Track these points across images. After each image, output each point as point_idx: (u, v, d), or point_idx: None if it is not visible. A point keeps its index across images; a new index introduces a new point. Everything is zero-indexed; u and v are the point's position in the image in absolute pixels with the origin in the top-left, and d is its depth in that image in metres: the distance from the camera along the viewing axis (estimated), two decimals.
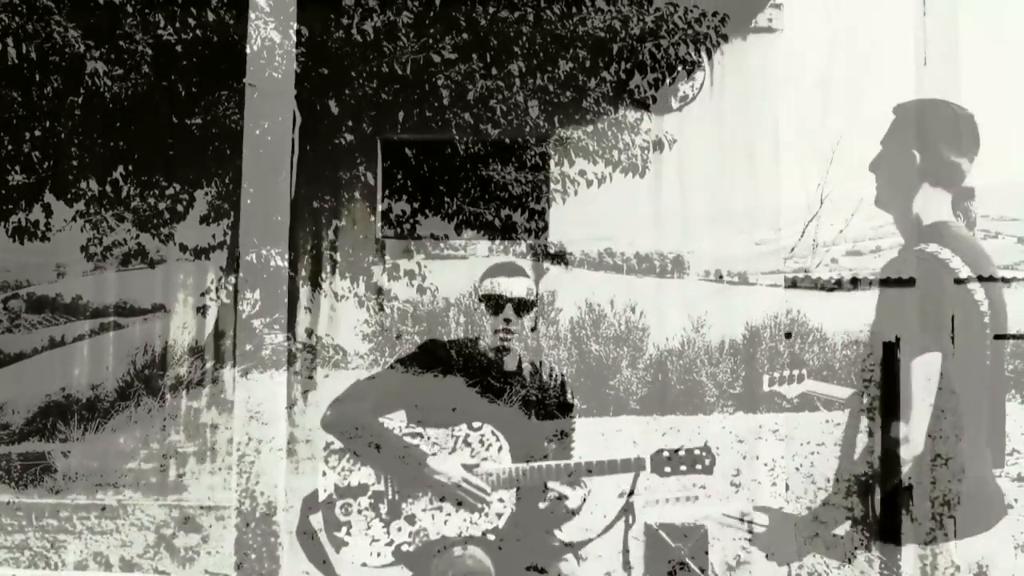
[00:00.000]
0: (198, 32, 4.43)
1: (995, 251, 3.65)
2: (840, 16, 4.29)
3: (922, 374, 3.13)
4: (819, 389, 3.67)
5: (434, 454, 3.10)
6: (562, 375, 3.35)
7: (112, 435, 4.49)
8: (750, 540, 3.87)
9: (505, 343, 3.19)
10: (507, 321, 3.18)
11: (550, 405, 3.26)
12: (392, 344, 4.51)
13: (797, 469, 4.08)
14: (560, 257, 4.50)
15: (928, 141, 3.29)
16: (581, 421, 3.46)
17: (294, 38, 4.13)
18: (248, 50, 4.08)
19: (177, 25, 4.42)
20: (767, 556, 3.75)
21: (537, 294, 3.26)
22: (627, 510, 3.18)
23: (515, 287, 3.20)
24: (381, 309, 4.53)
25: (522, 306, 3.21)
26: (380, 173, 4.61)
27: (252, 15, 4.06)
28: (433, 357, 3.23)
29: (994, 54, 3.95)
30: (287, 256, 4.08)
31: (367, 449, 3.11)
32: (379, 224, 4.64)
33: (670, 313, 4.45)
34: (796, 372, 3.64)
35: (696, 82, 4.56)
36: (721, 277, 4.49)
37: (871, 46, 4.21)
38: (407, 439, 3.11)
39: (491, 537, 3.05)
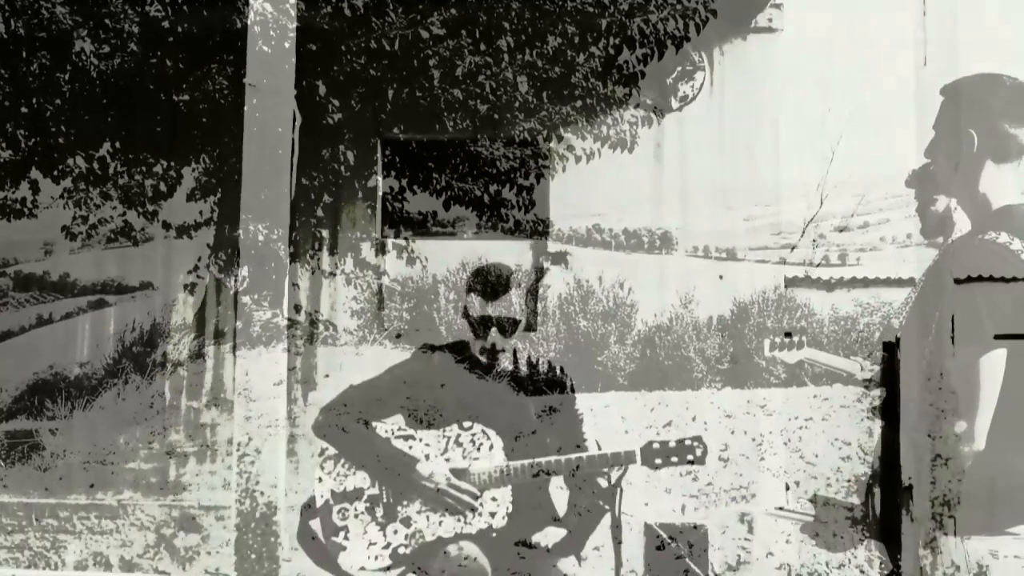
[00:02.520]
0: (186, 8, 4.41)
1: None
2: (840, 16, 4.28)
3: (989, 372, 3.05)
4: (819, 358, 3.66)
5: (426, 456, 3.08)
6: (560, 367, 3.33)
7: (100, 413, 4.48)
8: (802, 531, 3.84)
9: (493, 361, 3.16)
10: (492, 343, 3.15)
11: (551, 398, 3.24)
12: (382, 321, 4.51)
13: (785, 444, 4.09)
14: (560, 256, 4.50)
15: (984, 118, 3.20)
16: (569, 411, 3.44)
17: (294, 15, 4.11)
18: (249, 48, 4.06)
19: (165, 1, 4.40)
20: (816, 545, 3.74)
21: (535, 295, 3.23)
22: (611, 503, 3.14)
23: (499, 308, 3.16)
24: (382, 299, 4.52)
25: (508, 324, 3.17)
26: (380, 154, 4.60)
27: (254, 4, 4.05)
28: (428, 362, 3.22)
29: (994, 54, 3.94)
30: (289, 237, 4.08)
31: (357, 455, 3.11)
32: (379, 205, 4.63)
33: (658, 289, 4.45)
34: (796, 338, 3.61)
35: (696, 82, 4.56)
36: (709, 256, 4.50)
37: (871, 46, 4.21)
38: (399, 443, 3.10)
39: (492, 536, 3.05)
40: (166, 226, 4.61)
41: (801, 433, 4.09)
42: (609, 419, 4.10)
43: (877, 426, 3.59)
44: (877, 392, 3.60)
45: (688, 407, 4.23)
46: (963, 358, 3.10)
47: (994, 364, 3.04)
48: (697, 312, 4.41)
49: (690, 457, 3.14)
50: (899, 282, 4.23)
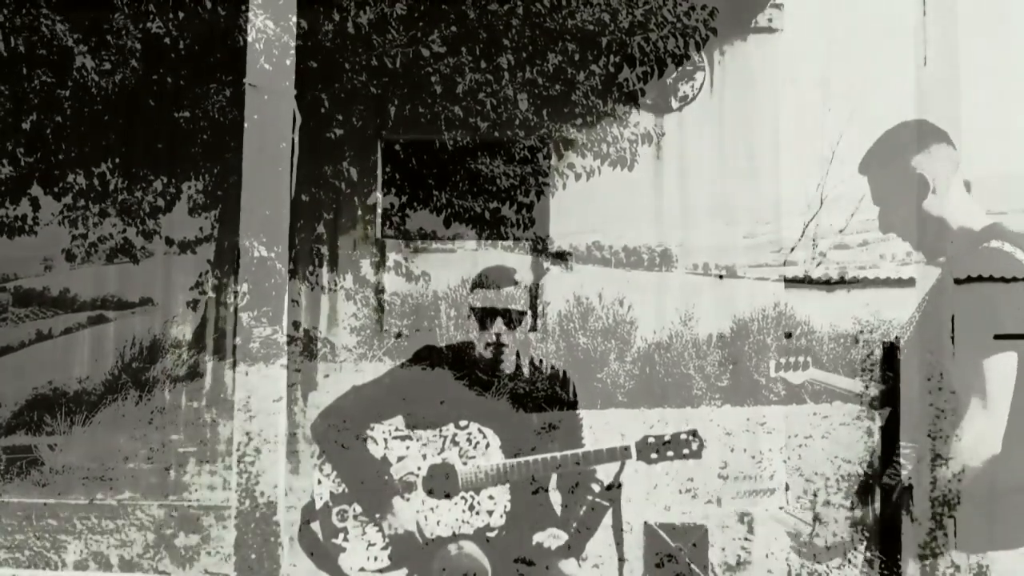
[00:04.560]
0: (187, 25, 4.42)
1: None
2: (840, 16, 4.29)
3: (996, 375, 3.03)
4: (823, 378, 3.66)
5: (408, 478, 3.08)
6: (564, 372, 3.32)
7: (99, 429, 4.47)
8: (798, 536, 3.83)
9: (497, 355, 3.15)
10: (496, 335, 3.14)
11: (552, 402, 3.23)
12: (382, 338, 4.51)
13: (785, 462, 4.09)
14: (560, 256, 4.50)
15: (914, 158, 3.21)
16: (569, 414, 3.45)
17: (295, 32, 4.12)
18: (248, 48, 4.07)
19: (167, 18, 4.41)
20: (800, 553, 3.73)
21: (536, 294, 3.22)
22: (612, 501, 3.13)
23: (503, 299, 3.15)
24: (381, 309, 4.52)
25: (512, 317, 3.16)
26: (380, 171, 4.61)
27: (252, 10, 4.06)
28: (429, 363, 3.21)
29: (994, 54, 3.95)
30: (288, 254, 4.08)
31: (343, 471, 3.11)
32: (379, 222, 4.63)
33: (658, 306, 4.46)
34: (802, 359, 3.60)
35: (696, 82, 4.57)
36: (709, 273, 4.50)
37: (871, 46, 4.21)
38: (395, 444, 3.10)
39: (490, 535, 3.05)
40: (168, 242, 4.62)
41: (801, 451, 4.08)
42: (608, 436, 4.09)
43: (877, 428, 3.58)
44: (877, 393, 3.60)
45: (688, 424, 4.22)
46: (965, 361, 3.09)
47: (1003, 366, 3.02)
48: (697, 329, 4.41)
49: (686, 451, 3.12)
50: (899, 282, 4.24)
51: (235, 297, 4.43)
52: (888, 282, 4.33)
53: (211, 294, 4.58)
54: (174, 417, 4.46)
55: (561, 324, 4.48)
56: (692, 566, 3.58)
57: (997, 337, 3.01)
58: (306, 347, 4.46)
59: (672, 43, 4.41)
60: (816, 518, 3.92)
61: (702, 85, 4.57)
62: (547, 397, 3.22)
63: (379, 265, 4.60)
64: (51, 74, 4.46)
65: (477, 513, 3.05)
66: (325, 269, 4.60)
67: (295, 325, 4.45)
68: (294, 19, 4.02)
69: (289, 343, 4.26)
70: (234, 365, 4.16)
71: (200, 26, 4.40)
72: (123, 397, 4.50)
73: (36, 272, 4.66)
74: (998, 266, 3.03)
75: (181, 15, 4.40)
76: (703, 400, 4.33)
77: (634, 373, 4.41)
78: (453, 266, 4.56)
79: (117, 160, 4.61)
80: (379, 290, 4.57)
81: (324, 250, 4.61)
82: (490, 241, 4.61)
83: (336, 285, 4.59)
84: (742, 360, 4.35)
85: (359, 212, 4.64)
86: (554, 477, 3.16)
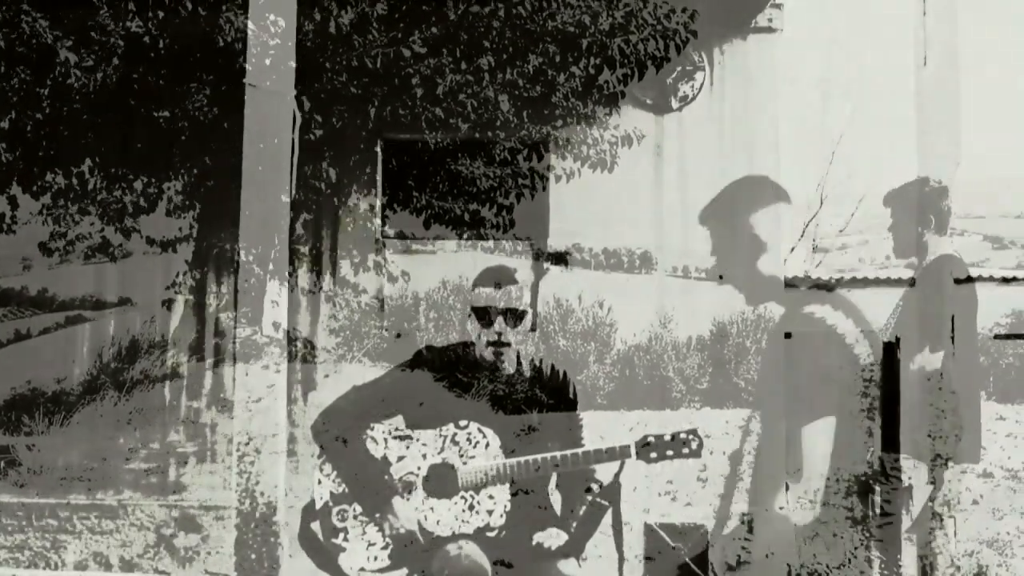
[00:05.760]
0: (167, 25, 4.40)
1: (962, 248, 3.68)
2: (840, 16, 4.30)
3: (815, 438, 3.11)
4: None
5: (408, 478, 3.08)
6: (564, 372, 3.32)
7: (77, 428, 4.46)
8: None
9: (499, 354, 3.14)
10: (498, 334, 3.14)
11: (552, 401, 3.23)
12: (362, 338, 4.50)
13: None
14: (560, 257, 4.50)
15: (756, 214, 3.28)
16: (568, 414, 3.44)
17: (295, 33, 4.11)
18: (248, 49, 4.05)
19: (147, 16, 4.40)
20: (765, 556, 3.74)
21: (535, 295, 3.20)
22: (612, 501, 3.13)
23: (504, 297, 3.14)
24: (382, 308, 4.52)
25: (514, 315, 3.16)
26: (380, 172, 4.60)
27: (250, 12, 4.05)
28: (429, 363, 3.21)
29: (994, 54, 3.96)
30: (286, 256, 4.07)
31: (343, 471, 3.11)
32: (364, 223, 4.63)
33: (637, 309, 4.46)
34: None
35: (696, 82, 4.57)
36: (689, 276, 4.50)
37: (871, 46, 4.22)
38: (395, 444, 3.10)
39: (490, 534, 3.04)
40: (148, 242, 4.60)
41: None
42: (588, 439, 4.09)
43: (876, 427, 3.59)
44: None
45: (667, 427, 4.22)
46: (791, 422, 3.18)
47: (819, 432, 3.09)
48: (676, 332, 4.41)
49: (686, 451, 3.10)
50: (899, 282, 4.25)
51: (214, 297, 4.43)
52: (888, 282, 4.34)
53: (188, 295, 4.57)
54: (152, 416, 4.45)
55: (541, 326, 4.48)
56: (679, 552, 3.58)
57: (997, 337, 3.05)
58: (288, 348, 4.45)
59: (652, 45, 4.41)
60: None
61: (702, 85, 4.57)
62: (547, 396, 3.21)
63: (360, 265, 4.59)
64: (30, 72, 4.44)
65: (477, 513, 3.05)
66: (305, 270, 4.59)
67: (275, 326, 4.45)
68: (293, 20, 4.01)
69: (270, 344, 4.26)
70: (215, 365, 4.15)
71: (180, 26, 4.39)
72: (101, 397, 4.49)
73: (14, 272, 4.64)
74: (813, 329, 3.10)
75: (161, 15, 4.38)
76: (682, 402, 4.33)
77: (613, 375, 4.41)
78: (435, 266, 4.56)
79: (97, 159, 4.59)
80: (360, 291, 4.57)
81: (305, 251, 4.60)
82: (480, 241, 4.61)
83: (317, 286, 4.58)
84: (721, 364, 4.35)
85: (341, 213, 4.63)
86: (554, 477, 3.16)
